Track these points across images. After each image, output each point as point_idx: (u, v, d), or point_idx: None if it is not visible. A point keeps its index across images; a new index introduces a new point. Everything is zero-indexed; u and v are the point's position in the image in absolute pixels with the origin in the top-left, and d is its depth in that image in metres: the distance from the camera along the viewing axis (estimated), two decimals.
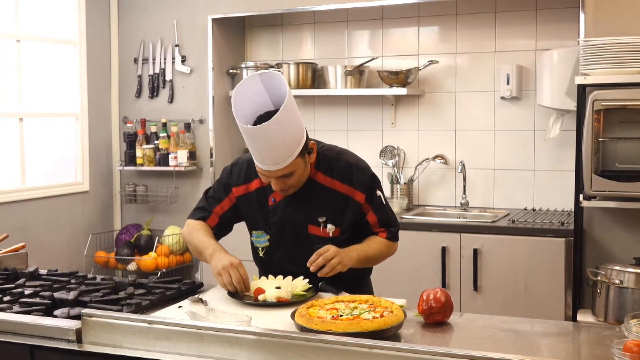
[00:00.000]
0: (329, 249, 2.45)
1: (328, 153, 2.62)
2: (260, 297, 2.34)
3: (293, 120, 2.40)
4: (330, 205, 2.56)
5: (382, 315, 2.04)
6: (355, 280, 2.65)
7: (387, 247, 2.66)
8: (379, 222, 2.63)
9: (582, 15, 3.78)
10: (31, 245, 3.18)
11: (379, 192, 2.63)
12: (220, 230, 2.72)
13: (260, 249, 2.67)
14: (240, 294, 2.40)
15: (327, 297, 2.32)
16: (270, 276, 2.51)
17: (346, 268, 2.47)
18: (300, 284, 2.43)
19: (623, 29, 3.66)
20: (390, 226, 2.66)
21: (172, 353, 1.89)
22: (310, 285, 2.44)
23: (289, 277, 2.48)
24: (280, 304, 2.31)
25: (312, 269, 2.43)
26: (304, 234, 2.59)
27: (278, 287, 2.36)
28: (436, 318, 2.17)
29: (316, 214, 2.57)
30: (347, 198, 2.56)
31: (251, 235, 2.70)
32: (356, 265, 2.52)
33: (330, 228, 2.57)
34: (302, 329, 1.98)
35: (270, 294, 2.34)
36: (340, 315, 2.06)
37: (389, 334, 1.98)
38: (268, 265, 2.67)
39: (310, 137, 2.54)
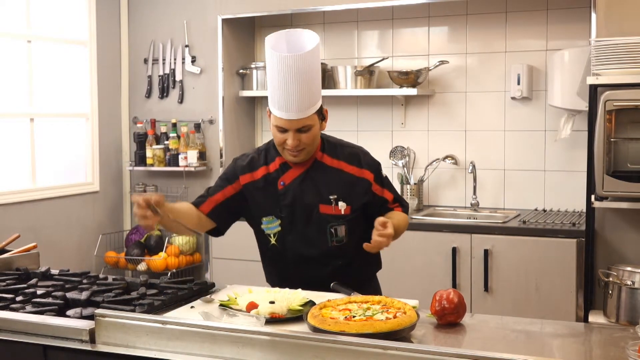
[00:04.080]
0: (387, 224, 2.44)
1: (332, 140, 2.73)
2: (253, 312, 2.17)
3: (318, 71, 2.55)
4: (340, 184, 2.63)
5: (395, 316, 2.03)
6: (363, 280, 2.67)
7: (405, 220, 2.74)
8: (392, 198, 2.73)
9: (593, 15, 3.77)
10: (42, 245, 3.19)
11: (384, 174, 2.76)
12: (215, 217, 2.67)
13: (271, 235, 2.66)
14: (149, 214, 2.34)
15: (340, 297, 2.31)
16: (265, 288, 2.44)
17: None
18: (297, 298, 2.30)
19: (635, 28, 3.64)
20: (402, 201, 2.78)
21: (185, 353, 1.89)
22: (308, 299, 2.30)
23: (286, 290, 2.38)
24: (273, 320, 2.15)
25: (371, 247, 2.45)
26: (315, 214, 2.62)
27: (272, 302, 2.22)
28: (449, 319, 2.16)
29: (326, 193, 2.62)
30: (355, 177, 2.64)
31: (261, 224, 2.68)
32: None
33: (342, 205, 2.61)
34: (315, 329, 1.97)
35: (263, 309, 2.18)
36: (353, 316, 2.06)
37: (402, 335, 1.97)
38: (281, 252, 2.66)
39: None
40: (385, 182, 2.72)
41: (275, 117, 2.54)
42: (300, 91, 2.47)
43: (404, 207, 2.77)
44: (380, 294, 2.69)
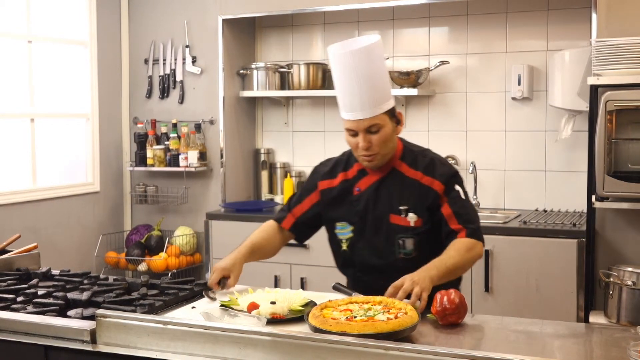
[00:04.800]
0: (404, 281, 2.27)
1: (413, 148, 2.67)
2: (254, 313, 2.19)
3: (382, 68, 2.53)
4: (414, 195, 2.55)
5: (396, 317, 2.03)
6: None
7: (468, 249, 2.47)
8: (455, 217, 2.52)
9: (594, 16, 3.77)
10: (42, 246, 3.19)
11: (458, 187, 2.58)
12: (297, 232, 2.77)
13: (343, 241, 2.64)
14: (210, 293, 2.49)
15: (341, 298, 2.31)
16: (266, 288, 2.44)
17: (430, 291, 2.28)
18: (298, 298, 2.31)
19: (635, 29, 3.64)
20: (469, 223, 2.52)
21: (187, 354, 1.89)
22: (309, 300, 2.31)
23: (287, 290, 2.41)
24: (274, 320, 2.16)
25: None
26: (385, 223, 2.57)
27: (273, 302, 2.23)
28: (450, 319, 2.16)
29: (398, 203, 2.56)
30: (429, 189, 2.55)
31: (335, 229, 2.67)
32: (440, 282, 2.34)
33: (412, 217, 2.54)
34: (316, 330, 1.97)
35: (264, 310, 2.19)
36: (355, 317, 2.05)
37: (403, 335, 1.97)
38: (350, 259, 2.64)
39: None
40: (452, 195, 2.55)
41: (344, 121, 2.53)
42: (361, 89, 2.44)
43: (469, 230, 2.50)
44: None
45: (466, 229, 2.49)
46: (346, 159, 2.69)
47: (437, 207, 2.54)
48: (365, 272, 2.61)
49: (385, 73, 2.54)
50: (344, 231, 2.64)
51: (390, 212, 2.56)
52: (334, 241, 2.69)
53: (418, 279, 2.27)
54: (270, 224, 2.77)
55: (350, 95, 2.47)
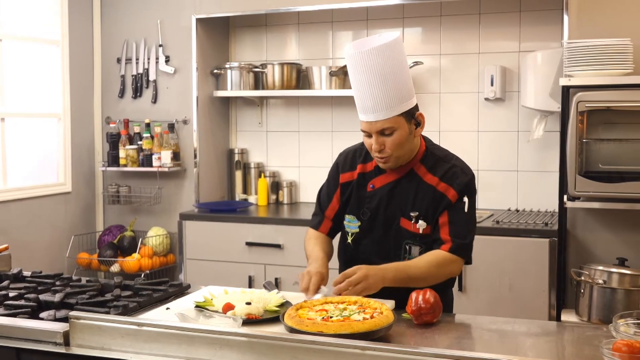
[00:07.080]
0: (356, 272, 2.32)
1: (436, 152, 2.58)
2: (229, 314, 2.17)
3: (399, 67, 2.40)
4: (427, 201, 2.49)
5: (372, 317, 2.03)
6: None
7: (440, 265, 2.45)
8: (448, 226, 2.47)
9: (565, 17, 3.82)
10: (13, 247, 3.14)
11: (466, 198, 2.50)
12: (331, 234, 2.72)
13: (349, 234, 2.61)
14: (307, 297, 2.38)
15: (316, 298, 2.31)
16: (241, 289, 2.43)
17: (376, 291, 2.33)
18: (274, 299, 2.31)
19: (606, 30, 3.69)
20: (458, 237, 2.46)
21: (162, 355, 1.87)
22: (285, 300, 2.32)
23: (263, 291, 2.41)
24: (250, 321, 2.16)
25: (334, 290, 2.33)
26: (394, 226, 2.53)
27: (249, 303, 2.22)
28: (425, 319, 2.17)
29: (411, 207, 2.51)
30: (443, 196, 2.49)
31: (344, 220, 2.63)
32: (393, 285, 2.37)
33: (422, 224, 2.49)
34: (292, 330, 1.97)
35: (240, 310, 2.18)
36: (330, 317, 2.06)
37: (379, 335, 1.98)
38: (354, 253, 2.61)
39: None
40: (457, 205, 2.48)
41: (360, 122, 2.47)
42: (373, 90, 2.37)
43: (454, 245, 2.45)
44: (451, 311, 2.62)
45: (452, 243, 2.46)
46: (366, 150, 2.58)
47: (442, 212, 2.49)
48: None
49: (403, 73, 2.42)
50: (351, 224, 2.61)
51: (401, 215, 2.52)
52: (343, 232, 2.66)
53: (370, 277, 2.31)
54: (314, 232, 2.70)
55: (362, 96, 2.40)
